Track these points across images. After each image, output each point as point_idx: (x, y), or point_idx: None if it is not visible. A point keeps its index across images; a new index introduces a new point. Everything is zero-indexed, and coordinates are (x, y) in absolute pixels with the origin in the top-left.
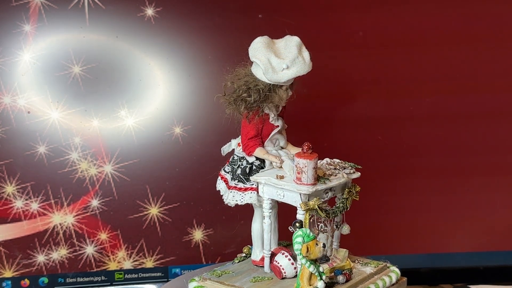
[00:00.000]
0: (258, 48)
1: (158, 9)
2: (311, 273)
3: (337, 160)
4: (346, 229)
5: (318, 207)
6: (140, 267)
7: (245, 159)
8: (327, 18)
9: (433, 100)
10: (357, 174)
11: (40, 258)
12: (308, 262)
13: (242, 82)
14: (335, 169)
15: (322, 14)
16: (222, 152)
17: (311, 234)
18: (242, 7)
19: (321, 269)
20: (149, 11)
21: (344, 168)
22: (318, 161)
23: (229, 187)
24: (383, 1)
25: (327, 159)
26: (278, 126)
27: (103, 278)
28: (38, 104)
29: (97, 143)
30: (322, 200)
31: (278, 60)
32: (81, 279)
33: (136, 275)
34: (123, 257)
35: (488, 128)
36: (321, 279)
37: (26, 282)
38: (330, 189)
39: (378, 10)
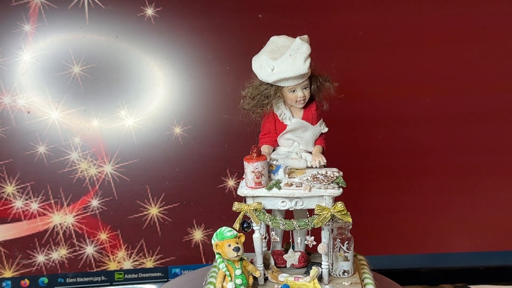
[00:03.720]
0: (264, 48)
1: (158, 9)
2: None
3: (330, 173)
4: (319, 248)
5: (253, 211)
6: (140, 267)
7: None
8: (327, 18)
9: (433, 100)
10: (329, 191)
11: (40, 258)
12: (220, 260)
13: (252, 81)
14: (312, 181)
15: (322, 14)
16: None
17: (229, 234)
18: (242, 7)
19: (238, 272)
20: (149, 11)
21: (321, 183)
22: (315, 170)
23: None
24: (383, 1)
25: (324, 170)
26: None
27: (103, 278)
28: (38, 104)
29: (97, 143)
30: (276, 207)
31: (270, 61)
32: (81, 279)
33: (136, 275)
34: (123, 257)
35: (488, 128)
36: (230, 280)
37: (26, 282)
38: (291, 199)
39: (378, 10)
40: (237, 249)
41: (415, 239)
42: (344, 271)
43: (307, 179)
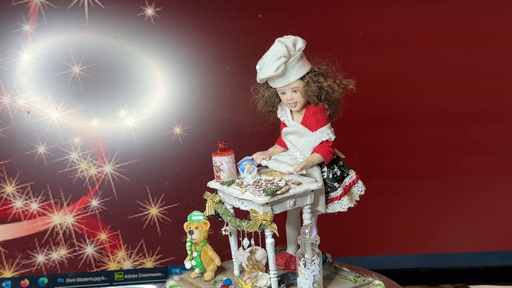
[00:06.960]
0: None
1: (158, 9)
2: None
3: (280, 182)
4: (257, 253)
5: (211, 201)
6: (140, 267)
7: None
8: (327, 18)
9: (433, 100)
10: (256, 198)
11: (40, 258)
12: (188, 239)
13: None
14: (251, 185)
15: (322, 14)
16: None
17: (194, 218)
18: (242, 7)
19: (194, 254)
20: (149, 11)
21: (255, 188)
22: (284, 176)
23: None
24: (383, 1)
25: (278, 177)
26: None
27: (103, 278)
28: (38, 104)
29: (97, 143)
30: (225, 202)
31: (259, 62)
32: (81, 279)
33: (136, 275)
34: (123, 257)
35: (488, 128)
36: (190, 259)
37: (26, 282)
38: (239, 198)
39: (378, 10)
40: (191, 233)
41: (415, 239)
42: None
43: (258, 182)
